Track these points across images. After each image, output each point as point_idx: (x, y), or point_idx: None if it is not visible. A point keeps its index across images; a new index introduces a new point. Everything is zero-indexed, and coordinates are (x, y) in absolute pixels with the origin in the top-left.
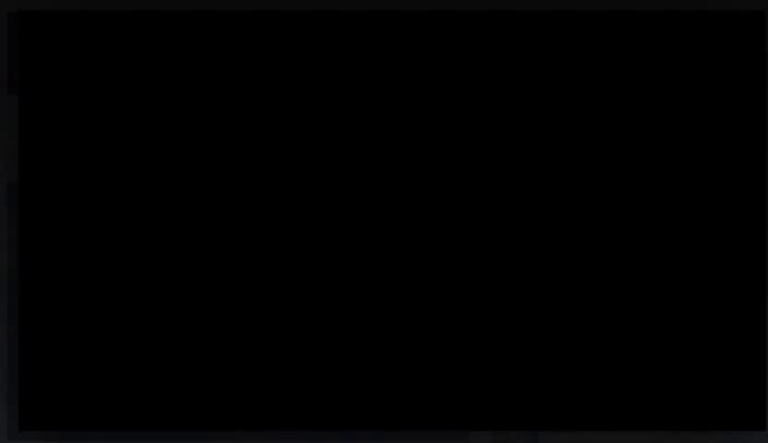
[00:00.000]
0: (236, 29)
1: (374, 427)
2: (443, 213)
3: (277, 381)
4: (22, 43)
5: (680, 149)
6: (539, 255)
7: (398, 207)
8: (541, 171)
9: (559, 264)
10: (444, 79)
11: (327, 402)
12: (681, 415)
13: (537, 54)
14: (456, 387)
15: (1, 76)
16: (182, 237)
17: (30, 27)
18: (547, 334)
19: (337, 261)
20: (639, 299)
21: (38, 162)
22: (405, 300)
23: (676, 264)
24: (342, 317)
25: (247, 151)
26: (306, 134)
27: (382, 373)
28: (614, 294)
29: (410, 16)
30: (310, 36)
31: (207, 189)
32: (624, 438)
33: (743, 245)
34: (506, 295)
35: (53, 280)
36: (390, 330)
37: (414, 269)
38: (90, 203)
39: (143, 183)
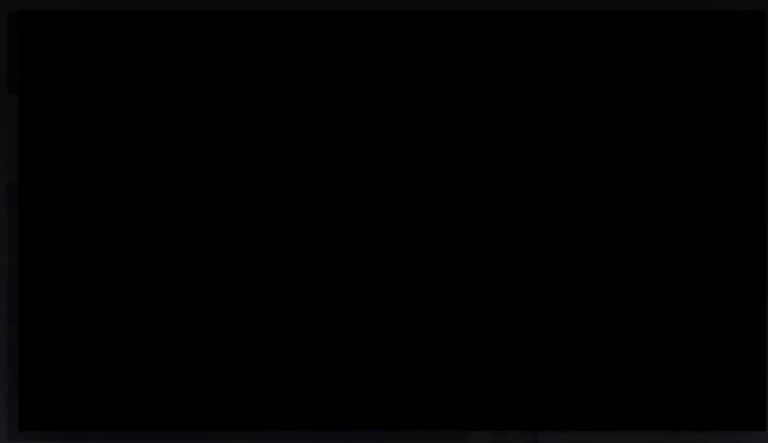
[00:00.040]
0: (236, 29)
1: (374, 427)
2: (443, 213)
3: (277, 381)
4: (22, 43)
5: (680, 149)
6: (539, 255)
7: (398, 207)
8: (541, 171)
9: (559, 264)
10: (444, 79)
11: (327, 402)
12: (681, 415)
13: (537, 54)
14: (456, 387)
15: (1, 76)
16: (182, 237)
17: (30, 27)
18: (547, 334)
19: (337, 261)
20: (639, 299)
21: (38, 162)
22: (405, 300)
23: (676, 264)
24: (342, 318)
25: (248, 151)
26: (305, 134)
27: (382, 373)
28: (614, 295)
29: (410, 16)
30: (310, 36)
31: (207, 189)
32: (624, 438)
33: (743, 245)
34: (505, 296)
35: (53, 280)
36: (389, 331)
37: (414, 269)
38: (90, 203)
39: (143, 183)
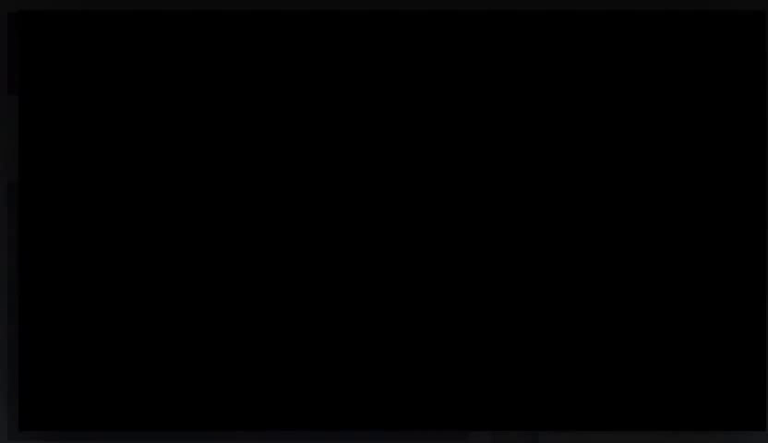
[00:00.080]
0: (236, 29)
1: (374, 427)
2: (443, 213)
3: (277, 381)
4: (22, 43)
5: (680, 149)
6: (539, 255)
7: (398, 207)
8: (541, 171)
9: (559, 264)
10: (444, 79)
11: (327, 402)
12: (681, 415)
13: (537, 54)
14: (456, 387)
15: (1, 76)
16: (182, 237)
17: (30, 27)
18: (547, 334)
19: (337, 261)
20: (639, 299)
21: (38, 162)
22: (405, 300)
23: (676, 264)
24: (342, 318)
25: (248, 151)
26: (305, 134)
27: (382, 373)
28: (614, 295)
29: (410, 16)
30: (310, 36)
31: (207, 189)
32: (624, 438)
33: (743, 245)
34: (505, 296)
35: (53, 280)
36: (389, 331)
37: (414, 269)
38: (90, 203)
39: (143, 183)
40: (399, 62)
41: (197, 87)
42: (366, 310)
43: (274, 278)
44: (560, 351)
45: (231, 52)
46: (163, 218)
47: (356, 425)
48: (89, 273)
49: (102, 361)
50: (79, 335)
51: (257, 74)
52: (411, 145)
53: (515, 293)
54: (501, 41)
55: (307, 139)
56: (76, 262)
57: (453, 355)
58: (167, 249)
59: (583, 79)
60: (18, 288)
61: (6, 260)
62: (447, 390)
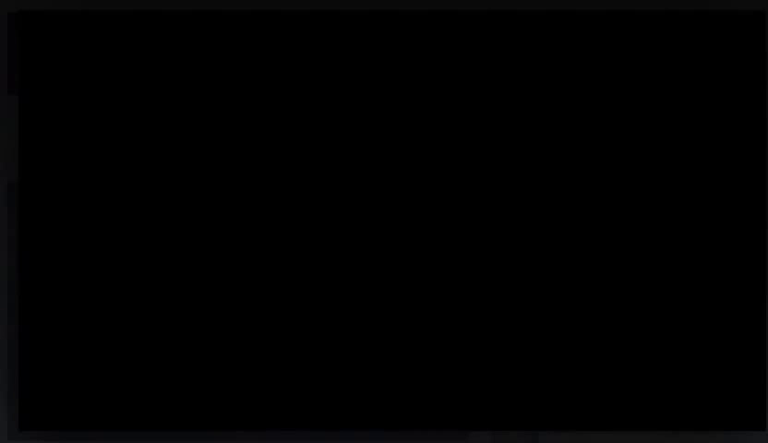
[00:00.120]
0: (236, 29)
1: (374, 427)
2: (443, 213)
3: (277, 381)
4: (22, 43)
5: (680, 149)
6: (539, 255)
7: (398, 207)
8: (541, 171)
9: (559, 264)
10: (444, 79)
11: (327, 402)
12: (681, 415)
13: (537, 54)
14: (456, 387)
15: (1, 76)
16: (182, 237)
17: (30, 27)
18: (547, 334)
19: (336, 261)
20: (639, 299)
21: (38, 162)
22: (405, 300)
23: (676, 264)
24: (342, 318)
25: (247, 151)
26: (305, 134)
27: (382, 373)
28: (613, 295)
29: (410, 16)
30: (310, 36)
31: (207, 189)
32: (624, 438)
33: (743, 245)
34: (505, 296)
35: (53, 280)
36: (389, 331)
37: (414, 269)
38: (90, 203)
39: (143, 183)
40: (399, 62)
41: (197, 87)
42: (365, 310)
43: (274, 278)
44: (560, 351)
45: (231, 52)
46: (163, 218)
47: (356, 425)
48: (88, 273)
49: (102, 361)
50: (79, 335)
51: (257, 74)
52: (411, 145)
53: (515, 293)
54: (501, 41)
55: (307, 139)
56: (76, 262)
57: (453, 355)
58: (167, 249)
59: (584, 79)
60: (18, 288)
61: (6, 260)
62: (447, 390)
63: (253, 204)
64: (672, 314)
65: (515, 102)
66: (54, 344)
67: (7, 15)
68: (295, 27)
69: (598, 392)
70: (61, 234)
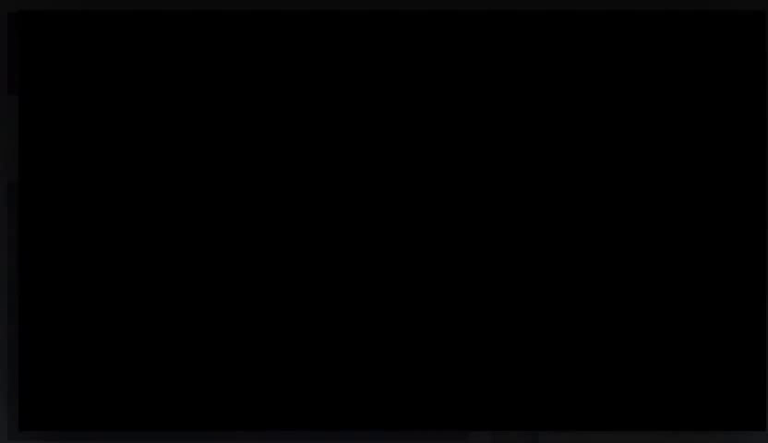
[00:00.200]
0: (236, 29)
1: (374, 427)
2: (443, 214)
3: (277, 381)
4: (22, 43)
5: (680, 149)
6: (539, 255)
7: (397, 207)
8: (541, 171)
9: (559, 264)
10: (444, 79)
11: (327, 402)
12: (681, 415)
13: (537, 54)
14: (456, 387)
15: (1, 76)
16: (182, 237)
17: (30, 27)
18: (547, 334)
19: (336, 262)
20: (639, 299)
21: (38, 162)
22: (405, 300)
23: (675, 264)
24: (342, 318)
25: (247, 151)
26: (305, 134)
27: (382, 373)
28: (613, 295)
29: (410, 16)
30: (310, 36)
31: (207, 189)
32: (624, 438)
33: (743, 245)
34: (505, 296)
35: (53, 280)
36: (389, 331)
37: (414, 269)
38: (90, 203)
39: (143, 183)
40: (399, 62)
41: (197, 87)
42: (365, 310)
43: (274, 278)
44: (560, 351)
45: (231, 52)
46: (163, 218)
47: (356, 425)
48: (88, 273)
49: (102, 361)
50: (79, 335)
51: (257, 74)
52: (411, 145)
53: (515, 293)
54: (501, 41)
55: (307, 139)
56: (76, 262)
57: (453, 355)
58: (167, 249)
59: (584, 79)
60: (18, 288)
61: (6, 260)
62: (447, 390)
63: (253, 204)
64: (672, 314)
65: (515, 103)
66: (54, 344)
67: (7, 15)
68: (295, 27)
69: (598, 392)
70: (61, 234)
